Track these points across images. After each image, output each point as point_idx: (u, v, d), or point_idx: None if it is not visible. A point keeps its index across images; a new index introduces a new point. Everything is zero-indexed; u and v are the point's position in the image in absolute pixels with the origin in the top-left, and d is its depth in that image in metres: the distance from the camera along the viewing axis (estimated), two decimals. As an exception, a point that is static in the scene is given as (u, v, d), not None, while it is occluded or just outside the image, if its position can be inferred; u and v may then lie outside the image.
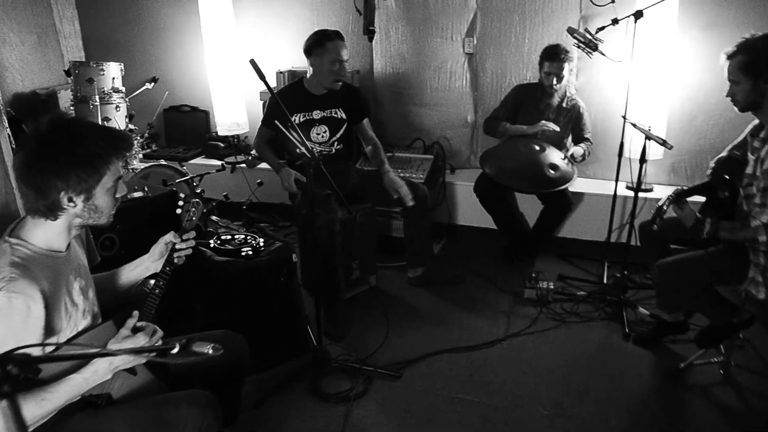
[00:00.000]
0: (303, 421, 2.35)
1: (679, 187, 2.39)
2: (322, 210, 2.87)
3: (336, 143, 3.15)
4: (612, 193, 3.28)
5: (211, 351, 1.26)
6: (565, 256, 3.74)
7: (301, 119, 3.06)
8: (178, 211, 1.90)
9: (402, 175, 3.61)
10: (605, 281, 3.33)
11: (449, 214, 4.00)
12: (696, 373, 2.59)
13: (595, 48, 3.19)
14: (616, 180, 3.36)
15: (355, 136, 3.37)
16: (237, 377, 2.04)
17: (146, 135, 4.28)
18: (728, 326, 2.30)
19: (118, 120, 4.04)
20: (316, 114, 3.07)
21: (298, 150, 3.11)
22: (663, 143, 2.74)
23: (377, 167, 3.22)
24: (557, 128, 3.43)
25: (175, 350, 1.23)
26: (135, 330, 1.55)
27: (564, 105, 3.53)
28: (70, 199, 1.48)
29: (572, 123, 3.57)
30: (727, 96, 2.34)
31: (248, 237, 2.74)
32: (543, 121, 3.43)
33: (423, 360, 2.72)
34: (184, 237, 1.82)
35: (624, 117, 3.23)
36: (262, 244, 2.67)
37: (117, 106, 4.00)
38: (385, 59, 4.07)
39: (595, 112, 3.82)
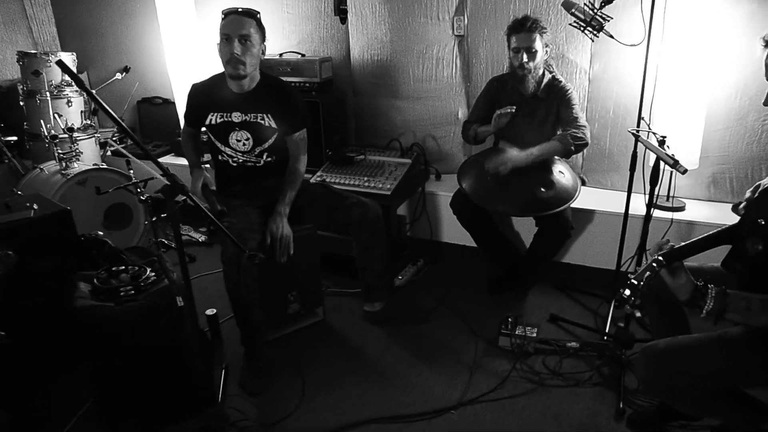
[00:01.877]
0: None
1: (670, 244, 1.59)
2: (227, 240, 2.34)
3: (265, 155, 2.57)
4: (638, 213, 2.51)
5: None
6: (566, 287, 3.02)
7: (218, 120, 2.50)
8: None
9: (366, 184, 3.02)
10: (607, 329, 2.61)
11: (430, 229, 3.36)
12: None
13: (599, 27, 2.44)
14: (628, 197, 2.62)
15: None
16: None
17: (115, 131, 3.89)
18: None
19: (72, 116, 3.67)
20: (236, 116, 2.49)
21: (220, 157, 2.58)
22: (674, 164, 1.98)
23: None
24: (511, 108, 2.69)
25: None
26: None
27: (541, 92, 2.79)
28: None
29: (558, 113, 2.81)
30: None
31: (142, 271, 2.26)
32: (497, 112, 2.71)
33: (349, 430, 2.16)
34: None
35: (640, 118, 2.48)
36: (149, 280, 2.18)
37: (69, 101, 3.63)
38: (362, 44, 3.44)
39: (614, 106, 3.04)
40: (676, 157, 2.02)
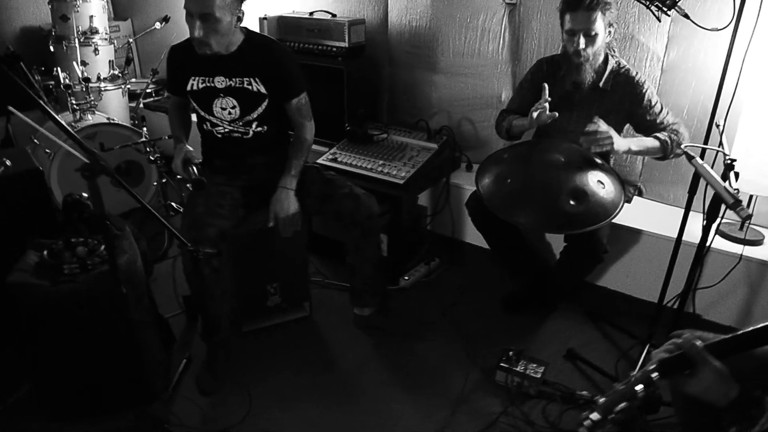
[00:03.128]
0: None
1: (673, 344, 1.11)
2: (192, 222, 2.09)
3: (254, 124, 2.26)
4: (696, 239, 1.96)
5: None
6: (598, 316, 2.53)
7: (200, 86, 2.20)
8: None
9: (379, 169, 2.66)
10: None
11: (452, 226, 2.95)
12: None
13: (671, 4, 1.90)
14: (683, 222, 2.09)
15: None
16: None
17: (150, 82, 3.75)
18: None
19: (99, 65, 3.55)
20: (220, 81, 2.17)
21: (204, 126, 2.31)
22: (733, 205, 1.45)
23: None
24: (545, 100, 2.14)
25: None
26: None
27: (604, 83, 2.26)
28: None
29: (628, 109, 2.28)
30: None
31: (97, 247, 2.06)
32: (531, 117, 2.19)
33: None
34: None
35: (711, 125, 1.94)
36: (97, 260, 1.98)
37: (96, 49, 3.50)
38: (400, 6, 3.01)
39: (689, 105, 2.46)
40: (743, 190, 1.51)
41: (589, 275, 2.49)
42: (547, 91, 2.14)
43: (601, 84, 2.26)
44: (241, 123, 2.23)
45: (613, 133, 2.09)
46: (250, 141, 2.28)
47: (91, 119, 3.13)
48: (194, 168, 2.13)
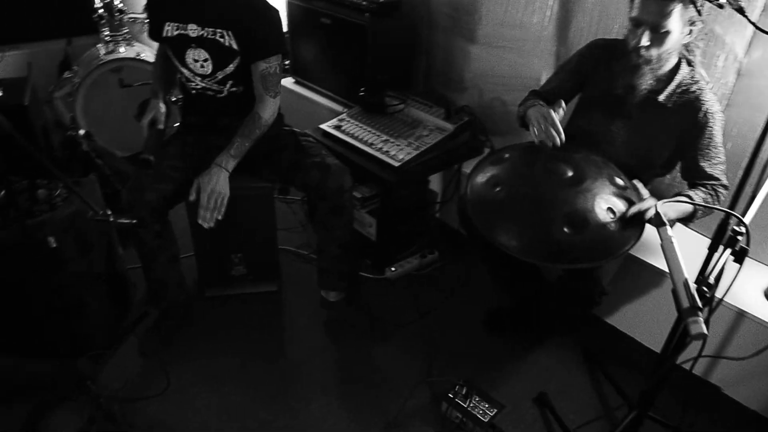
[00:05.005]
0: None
1: None
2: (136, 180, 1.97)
3: (229, 84, 2.05)
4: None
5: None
6: (594, 358, 2.14)
7: (174, 32, 2.00)
8: None
9: (380, 146, 2.39)
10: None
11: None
12: None
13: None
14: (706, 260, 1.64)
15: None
16: None
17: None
18: None
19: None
20: (192, 30, 1.97)
21: (181, 79, 2.14)
22: (685, 310, 1.04)
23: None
24: (560, 109, 1.77)
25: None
26: None
27: (665, 98, 1.78)
28: None
29: (682, 138, 1.81)
30: None
31: (54, 191, 2.02)
32: (548, 113, 1.78)
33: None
34: None
35: (754, 158, 1.48)
36: (45, 207, 1.93)
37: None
38: (446, -42, 2.61)
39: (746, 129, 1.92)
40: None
41: (580, 317, 2.10)
42: (563, 107, 1.75)
43: (660, 98, 1.77)
44: (213, 80, 2.04)
45: (649, 202, 1.67)
46: (223, 100, 2.08)
47: (122, 52, 3.08)
48: (155, 133, 2.01)
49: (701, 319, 0.99)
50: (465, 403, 1.86)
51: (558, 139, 1.79)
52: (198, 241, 2.26)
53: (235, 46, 1.97)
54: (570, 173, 1.81)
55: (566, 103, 1.95)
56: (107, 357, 2.05)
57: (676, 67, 1.77)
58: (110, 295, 2.15)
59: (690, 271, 1.13)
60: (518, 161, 1.94)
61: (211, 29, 1.95)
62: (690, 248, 1.78)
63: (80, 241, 1.95)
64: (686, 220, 1.80)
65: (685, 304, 1.01)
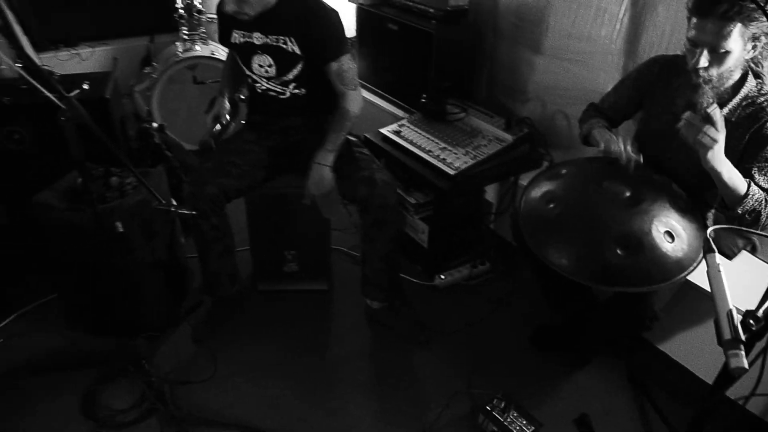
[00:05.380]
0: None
1: None
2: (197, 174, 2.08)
3: (292, 86, 2.13)
4: None
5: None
6: (641, 384, 2.06)
7: (241, 40, 2.11)
8: None
9: (437, 154, 2.40)
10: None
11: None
12: None
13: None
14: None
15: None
16: None
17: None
18: None
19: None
20: (257, 38, 2.06)
21: (248, 80, 2.24)
22: (726, 343, 0.98)
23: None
24: (633, 154, 1.71)
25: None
26: None
27: (729, 112, 1.68)
28: None
29: (747, 151, 1.70)
30: None
31: (126, 179, 2.16)
32: (613, 139, 1.73)
33: (214, 427, 1.87)
34: None
35: None
36: (116, 194, 2.06)
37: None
38: (515, -32, 2.59)
39: None
40: None
41: (629, 340, 2.03)
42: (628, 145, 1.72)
43: (724, 112, 1.69)
44: (277, 82, 2.13)
45: (721, 138, 1.57)
46: (287, 101, 2.17)
47: (198, 50, 3.24)
48: (219, 126, 2.11)
49: (742, 353, 0.94)
50: (502, 417, 1.84)
51: (632, 159, 1.75)
52: (254, 236, 2.34)
53: (298, 51, 2.04)
54: (628, 194, 1.76)
55: (625, 120, 1.90)
56: (162, 340, 2.17)
57: (742, 81, 1.68)
58: (169, 281, 2.27)
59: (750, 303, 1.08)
60: (575, 178, 1.90)
61: (274, 37, 2.04)
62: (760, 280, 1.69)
63: (145, 228, 2.07)
64: (731, 208, 1.67)
65: (727, 335, 0.97)
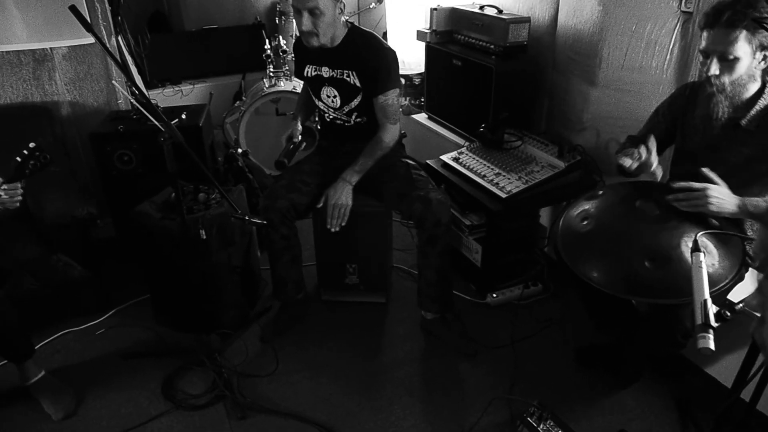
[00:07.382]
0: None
1: None
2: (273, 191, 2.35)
3: (354, 115, 2.39)
4: None
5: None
6: (686, 407, 2.05)
7: (312, 73, 2.40)
8: (18, 158, 1.82)
9: (491, 179, 2.56)
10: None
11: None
12: None
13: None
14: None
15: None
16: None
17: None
18: None
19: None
20: (326, 71, 2.35)
21: (319, 110, 2.52)
22: (697, 327, 1.06)
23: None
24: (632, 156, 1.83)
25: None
26: None
27: (748, 122, 1.75)
28: None
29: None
30: None
31: (211, 195, 2.48)
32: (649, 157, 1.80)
33: (272, 416, 2.08)
34: (5, 187, 1.76)
35: None
36: (202, 207, 2.38)
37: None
38: (571, 4, 2.73)
39: None
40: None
41: (664, 358, 2.04)
42: (654, 143, 1.80)
43: (743, 122, 1.77)
44: (343, 112, 2.39)
45: (718, 191, 1.65)
46: (351, 129, 2.43)
47: (282, 85, 3.61)
48: (292, 145, 2.38)
49: (710, 337, 1.03)
50: (537, 425, 1.91)
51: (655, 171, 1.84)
52: (320, 250, 2.58)
53: (358, 84, 2.30)
54: (657, 211, 1.83)
55: (664, 147, 1.98)
56: (234, 337, 2.43)
57: (760, 92, 1.75)
58: (244, 287, 2.55)
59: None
60: (610, 198, 1.99)
61: (339, 70, 2.32)
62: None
63: (224, 237, 2.36)
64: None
65: (699, 321, 1.06)
